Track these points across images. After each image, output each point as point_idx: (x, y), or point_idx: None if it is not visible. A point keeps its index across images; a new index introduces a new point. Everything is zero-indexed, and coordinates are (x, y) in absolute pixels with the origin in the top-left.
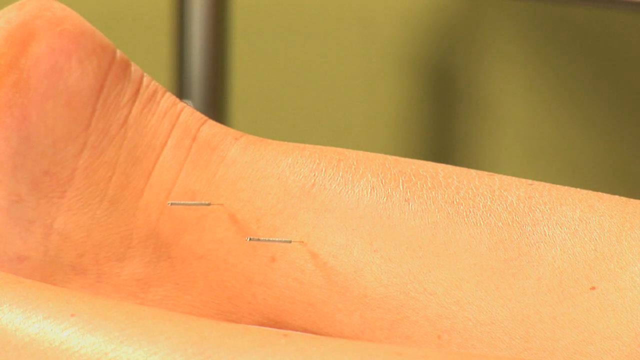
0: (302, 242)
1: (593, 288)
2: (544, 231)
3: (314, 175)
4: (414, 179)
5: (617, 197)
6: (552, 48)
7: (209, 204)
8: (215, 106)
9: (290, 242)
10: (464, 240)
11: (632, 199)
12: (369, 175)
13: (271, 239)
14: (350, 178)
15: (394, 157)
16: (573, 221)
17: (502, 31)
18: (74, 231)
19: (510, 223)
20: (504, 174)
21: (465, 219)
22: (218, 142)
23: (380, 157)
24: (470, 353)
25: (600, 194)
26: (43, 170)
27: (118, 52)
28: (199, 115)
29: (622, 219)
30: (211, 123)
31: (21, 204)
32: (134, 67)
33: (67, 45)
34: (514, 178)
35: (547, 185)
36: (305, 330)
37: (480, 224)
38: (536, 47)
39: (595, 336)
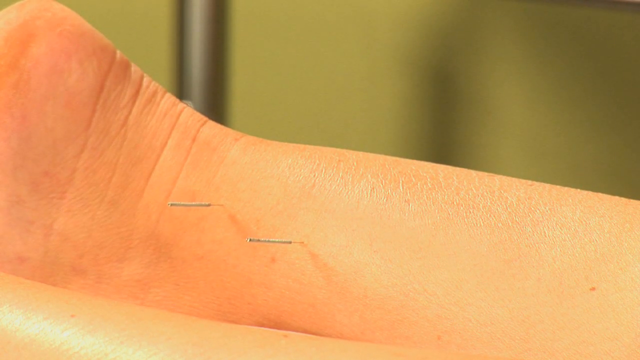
0: (302, 242)
1: (593, 289)
2: (544, 232)
3: (314, 176)
4: (414, 180)
5: (617, 197)
6: (552, 49)
7: (209, 205)
8: (215, 107)
9: (290, 242)
10: (464, 241)
11: (632, 200)
12: (369, 176)
13: (271, 239)
14: (350, 179)
15: (394, 158)
16: (573, 222)
17: (502, 32)
18: (73, 232)
19: (510, 224)
20: (504, 174)
21: (465, 219)
22: (218, 143)
23: (380, 157)
24: (470, 354)
25: (600, 194)
26: (43, 171)
27: (118, 52)
28: (198, 116)
29: (622, 219)
30: (211, 124)
31: (21, 204)
32: (134, 68)
33: (67, 46)
34: (514, 179)
35: (547, 186)
36: (305, 331)
37: (480, 224)
38: (536, 48)
39: (595, 337)
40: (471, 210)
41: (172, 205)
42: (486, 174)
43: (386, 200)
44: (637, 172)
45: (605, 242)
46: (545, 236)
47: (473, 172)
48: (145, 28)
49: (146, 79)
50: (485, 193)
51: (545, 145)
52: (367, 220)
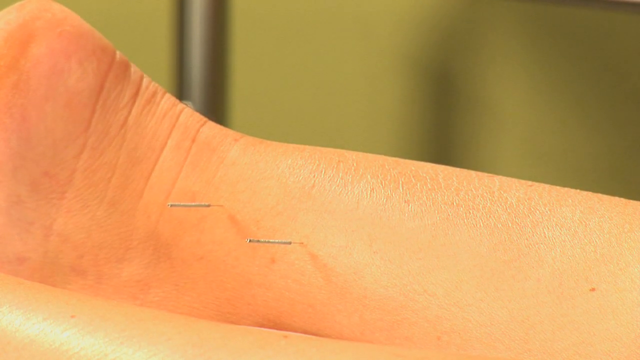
0: (302, 243)
1: (593, 289)
2: (544, 232)
3: (314, 176)
4: (413, 181)
5: (616, 198)
6: (552, 49)
7: (208, 205)
8: (215, 107)
9: (290, 243)
10: (464, 242)
11: (631, 201)
12: (369, 176)
13: (271, 240)
14: (350, 179)
15: (394, 159)
16: (573, 222)
17: (502, 32)
18: (73, 232)
19: (510, 224)
20: (504, 174)
21: (465, 220)
22: (218, 144)
23: (380, 158)
24: (470, 354)
25: (600, 195)
26: (43, 171)
27: (118, 53)
28: (198, 117)
29: (621, 220)
30: (211, 124)
31: (21, 205)
32: (133, 68)
33: (67, 47)
34: (513, 179)
35: (547, 186)
36: (305, 332)
37: (480, 225)
38: (536, 47)
39: (594, 337)
40: (471, 211)
41: (171, 205)
42: (486, 174)
43: (386, 200)
44: (637, 172)
45: (605, 243)
46: (545, 237)
47: (473, 173)
48: (145, 28)
49: (146, 80)
50: (485, 194)
51: (545, 145)
52: (367, 220)
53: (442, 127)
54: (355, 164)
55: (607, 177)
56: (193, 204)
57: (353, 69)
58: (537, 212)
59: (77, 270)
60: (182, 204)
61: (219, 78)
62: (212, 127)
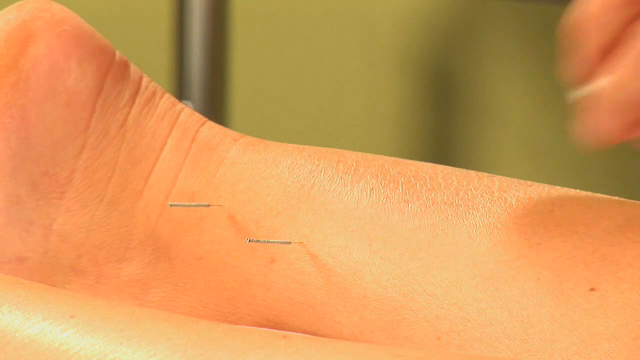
0: (302, 243)
1: (593, 290)
2: (544, 233)
3: (314, 176)
4: (413, 181)
5: (616, 198)
6: (552, 49)
7: (208, 206)
8: (215, 107)
9: (289, 243)
10: (464, 242)
11: (631, 200)
12: (369, 176)
13: (271, 240)
14: (350, 179)
15: (394, 159)
16: (573, 223)
17: (502, 32)
18: (73, 232)
19: (510, 224)
20: (504, 174)
21: (465, 220)
22: (217, 144)
23: (380, 158)
24: (469, 354)
25: (599, 195)
26: (42, 172)
27: (117, 53)
28: (198, 117)
29: (621, 220)
30: (211, 124)
31: (21, 205)
32: (133, 69)
33: (67, 47)
34: (513, 179)
35: (547, 186)
36: (304, 332)
37: (480, 225)
38: (536, 48)
39: (594, 338)
40: (471, 211)
41: (171, 205)
42: (486, 174)
43: (386, 201)
44: (637, 172)
45: (605, 243)
46: (545, 237)
47: (473, 173)
48: (145, 28)
49: (145, 80)
50: (484, 194)
51: (545, 146)
52: (367, 221)
53: (441, 127)
54: (355, 164)
55: (607, 177)
56: (193, 204)
57: (353, 69)
58: (537, 212)
59: (77, 270)
60: (182, 204)
61: (219, 78)
62: (212, 127)
